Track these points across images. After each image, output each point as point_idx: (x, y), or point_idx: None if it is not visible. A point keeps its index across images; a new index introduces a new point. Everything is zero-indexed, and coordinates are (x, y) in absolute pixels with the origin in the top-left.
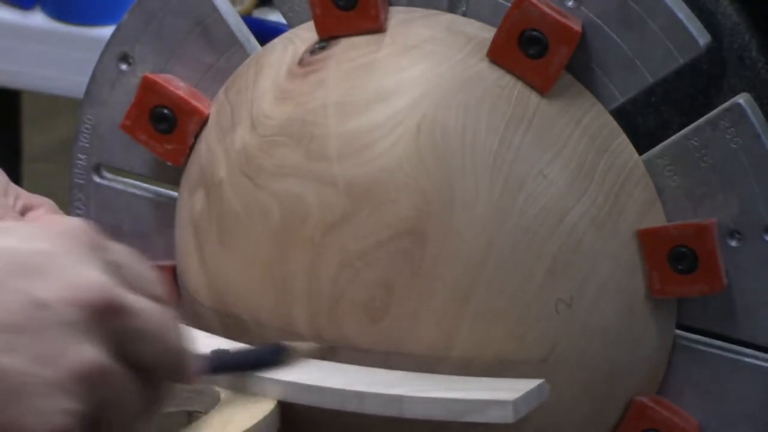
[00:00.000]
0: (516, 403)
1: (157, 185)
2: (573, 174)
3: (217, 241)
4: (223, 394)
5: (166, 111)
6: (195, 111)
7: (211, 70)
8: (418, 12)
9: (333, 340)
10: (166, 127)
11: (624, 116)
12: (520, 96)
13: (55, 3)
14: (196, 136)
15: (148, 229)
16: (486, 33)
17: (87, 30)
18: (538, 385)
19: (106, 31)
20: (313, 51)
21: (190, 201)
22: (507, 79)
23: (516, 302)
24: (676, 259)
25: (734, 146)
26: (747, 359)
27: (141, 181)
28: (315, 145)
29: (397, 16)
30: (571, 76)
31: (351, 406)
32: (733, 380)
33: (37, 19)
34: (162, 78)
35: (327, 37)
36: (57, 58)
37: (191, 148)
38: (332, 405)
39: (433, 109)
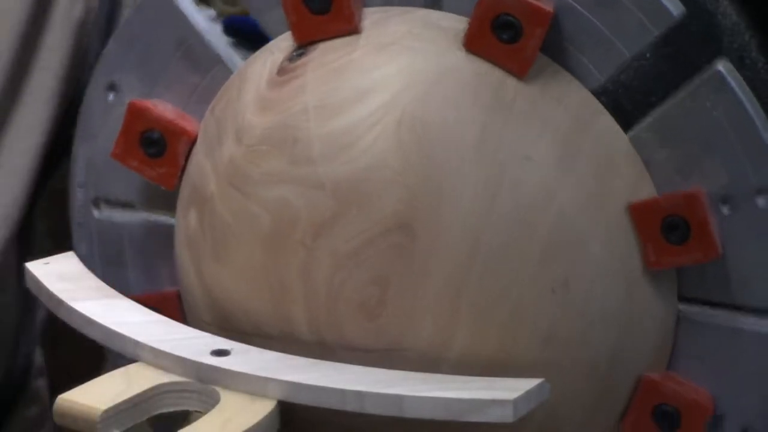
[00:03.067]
0: (516, 403)
1: (157, 214)
2: (558, 154)
3: (212, 256)
4: (223, 394)
5: (155, 135)
6: (183, 132)
7: (196, 90)
8: (394, 10)
9: (334, 341)
10: (157, 150)
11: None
12: (499, 82)
13: None
14: (187, 157)
15: (151, 257)
16: (461, 24)
17: None
18: (539, 384)
19: None
20: (291, 59)
21: (184, 221)
22: (485, 67)
23: (511, 287)
24: (668, 229)
25: (717, 114)
26: (752, 326)
27: (140, 210)
28: (298, 149)
29: (372, 16)
30: (548, 58)
31: (351, 406)
32: (740, 348)
33: None
34: (148, 103)
35: (304, 43)
36: None
37: (183, 169)
38: (332, 405)
39: (412, 103)
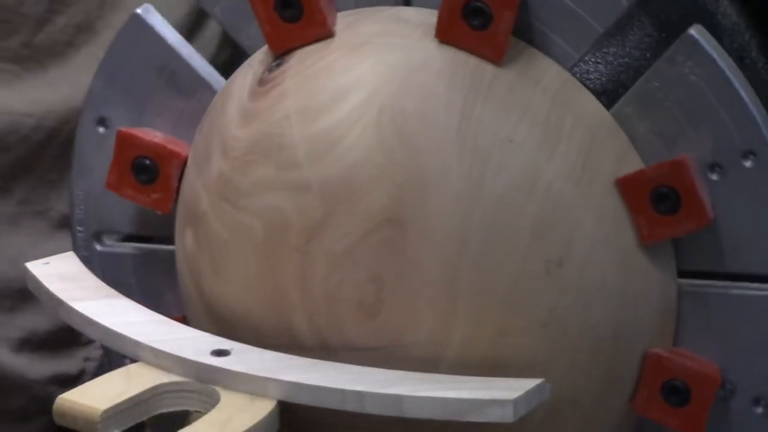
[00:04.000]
0: (516, 403)
1: (158, 242)
2: (540, 135)
3: (210, 272)
4: (223, 394)
5: (146, 162)
6: (173, 155)
7: (184, 115)
8: (366, 11)
9: (336, 343)
10: (149, 177)
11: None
12: (475, 69)
13: None
14: (180, 180)
15: (157, 285)
16: (432, 18)
17: None
18: (539, 384)
19: None
20: (270, 69)
21: (182, 242)
22: (459, 56)
23: (505, 270)
24: (658, 200)
25: (694, 78)
26: (753, 292)
27: (142, 240)
28: (284, 154)
29: (345, 19)
30: (522, 42)
31: (351, 406)
32: (744, 317)
33: None
34: (136, 130)
35: (281, 53)
36: None
37: (177, 192)
38: (332, 405)
39: (390, 98)
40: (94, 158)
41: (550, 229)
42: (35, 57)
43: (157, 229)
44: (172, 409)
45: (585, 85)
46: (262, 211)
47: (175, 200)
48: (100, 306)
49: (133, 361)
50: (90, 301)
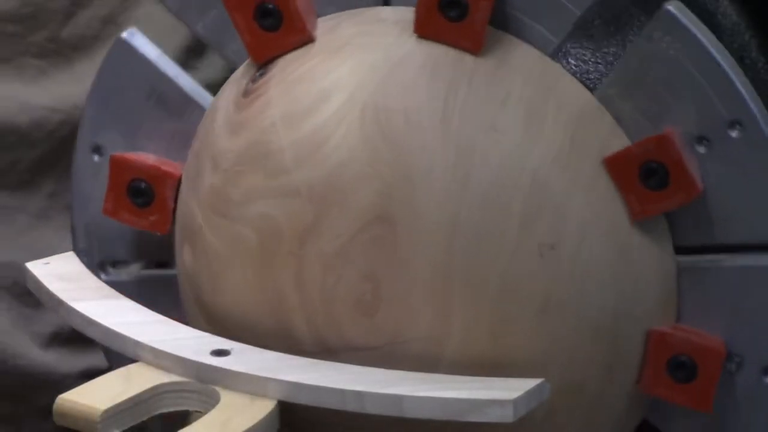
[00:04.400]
0: (516, 403)
1: (163, 267)
2: (523, 121)
3: (209, 285)
4: (223, 394)
5: (141, 184)
6: (167, 175)
7: (175, 136)
8: (345, 14)
9: (336, 345)
10: (145, 199)
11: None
12: (455, 61)
13: None
14: (175, 200)
15: (164, 308)
16: (411, 14)
17: None
18: (539, 384)
19: None
20: (254, 79)
21: (181, 260)
22: (439, 49)
23: (498, 258)
24: (647, 176)
25: (673, 53)
26: (751, 262)
27: (146, 266)
28: (272, 161)
29: (325, 24)
30: (501, 31)
31: (351, 406)
32: (743, 287)
33: None
34: (129, 154)
35: (264, 62)
36: None
37: (174, 212)
38: (332, 405)
39: (372, 96)
40: (92, 188)
41: (540, 213)
42: (61, 51)
43: (162, 254)
44: (172, 409)
45: (585, 85)
46: (255, 220)
47: (173, 221)
48: (100, 306)
49: (133, 361)
50: (90, 301)
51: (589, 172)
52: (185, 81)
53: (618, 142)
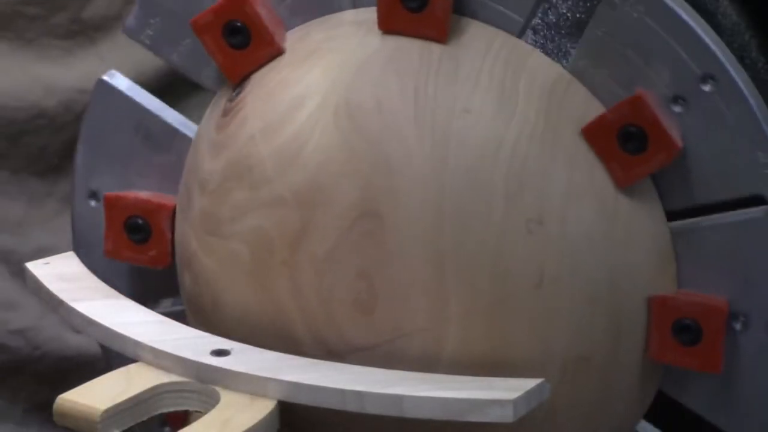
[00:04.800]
0: (516, 403)
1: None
2: (496, 100)
3: (210, 306)
4: (223, 394)
5: (138, 220)
6: (161, 207)
7: (166, 169)
8: (314, 22)
9: (339, 347)
10: (143, 235)
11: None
12: (422, 52)
13: None
14: (172, 231)
15: None
16: (374, 14)
17: None
18: (539, 384)
19: None
20: (231, 99)
21: (183, 287)
22: (404, 42)
23: (487, 239)
24: (625, 141)
25: (637, 15)
26: (741, 217)
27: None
28: (255, 174)
29: (294, 35)
30: (465, 17)
31: (351, 406)
32: (738, 244)
33: None
34: (122, 192)
35: (239, 81)
36: None
37: (172, 243)
38: (332, 405)
39: (343, 95)
40: (93, 235)
41: (523, 189)
42: (84, 32)
43: (173, 291)
44: (172, 409)
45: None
46: (245, 234)
47: (172, 253)
48: (100, 306)
49: (133, 361)
50: (90, 301)
51: (568, 144)
52: (169, 114)
53: (595, 112)
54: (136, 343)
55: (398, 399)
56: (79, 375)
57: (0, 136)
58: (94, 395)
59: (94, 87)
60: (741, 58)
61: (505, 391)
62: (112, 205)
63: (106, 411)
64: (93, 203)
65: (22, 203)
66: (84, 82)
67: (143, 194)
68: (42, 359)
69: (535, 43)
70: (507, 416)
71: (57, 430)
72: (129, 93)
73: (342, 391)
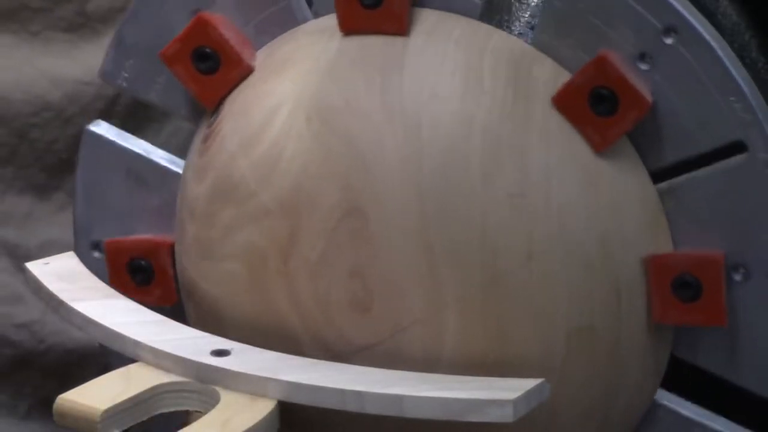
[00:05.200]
0: (516, 403)
1: None
2: (463, 83)
3: (215, 330)
4: (223, 394)
5: (140, 262)
6: (160, 244)
7: (163, 209)
8: (282, 38)
9: (342, 349)
10: (146, 276)
11: None
12: (384, 47)
13: None
14: (174, 268)
15: None
16: (335, 20)
17: None
18: (539, 384)
19: None
20: (210, 125)
21: (190, 319)
22: (367, 40)
23: (472, 219)
24: (596, 104)
25: None
26: (721, 167)
27: None
28: (239, 190)
29: (264, 52)
30: (427, 9)
31: (351, 406)
32: (727, 194)
33: None
34: (120, 237)
35: (215, 106)
36: None
37: (175, 279)
38: (332, 405)
39: (313, 99)
40: None
41: (500, 166)
42: (89, 24)
43: None
44: (172, 409)
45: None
46: (238, 252)
47: (177, 290)
48: (100, 306)
49: (133, 361)
50: (90, 301)
51: (540, 117)
52: (158, 154)
53: (563, 81)
54: (136, 343)
55: (398, 399)
56: (83, 369)
57: (6, 129)
58: (94, 395)
59: (82, 138)
60: (741, 58)
61: (505, 391)
62: (112, 250)
63: (106, 411)
64: (96, 254)
65: (29, 197)
66: (89, 75)
67: (140, 234)
68: (47, 353)
69: (497, 24)
70: (507, 416)
71: None
72: (115, 139)
73: (342, 391)
